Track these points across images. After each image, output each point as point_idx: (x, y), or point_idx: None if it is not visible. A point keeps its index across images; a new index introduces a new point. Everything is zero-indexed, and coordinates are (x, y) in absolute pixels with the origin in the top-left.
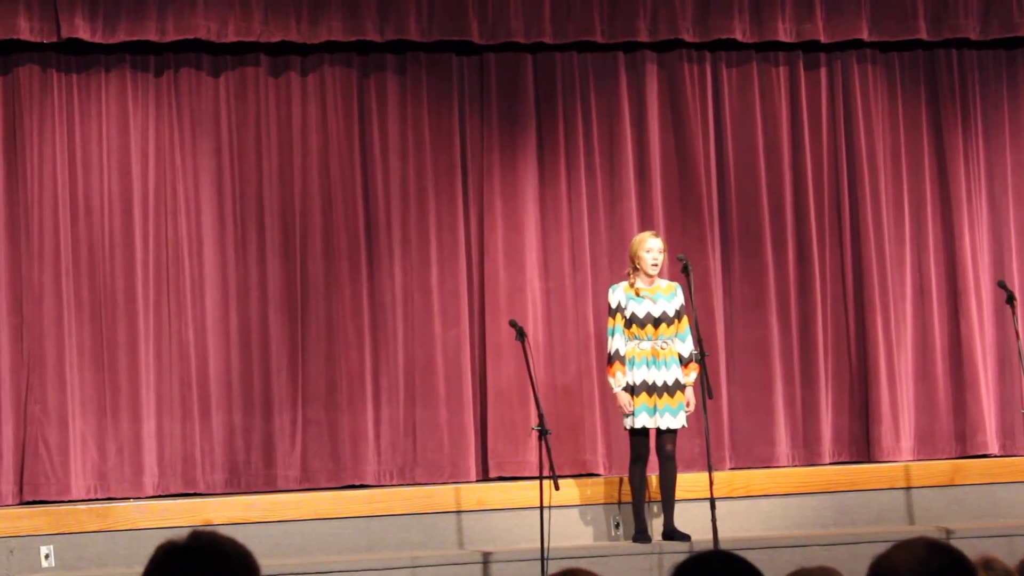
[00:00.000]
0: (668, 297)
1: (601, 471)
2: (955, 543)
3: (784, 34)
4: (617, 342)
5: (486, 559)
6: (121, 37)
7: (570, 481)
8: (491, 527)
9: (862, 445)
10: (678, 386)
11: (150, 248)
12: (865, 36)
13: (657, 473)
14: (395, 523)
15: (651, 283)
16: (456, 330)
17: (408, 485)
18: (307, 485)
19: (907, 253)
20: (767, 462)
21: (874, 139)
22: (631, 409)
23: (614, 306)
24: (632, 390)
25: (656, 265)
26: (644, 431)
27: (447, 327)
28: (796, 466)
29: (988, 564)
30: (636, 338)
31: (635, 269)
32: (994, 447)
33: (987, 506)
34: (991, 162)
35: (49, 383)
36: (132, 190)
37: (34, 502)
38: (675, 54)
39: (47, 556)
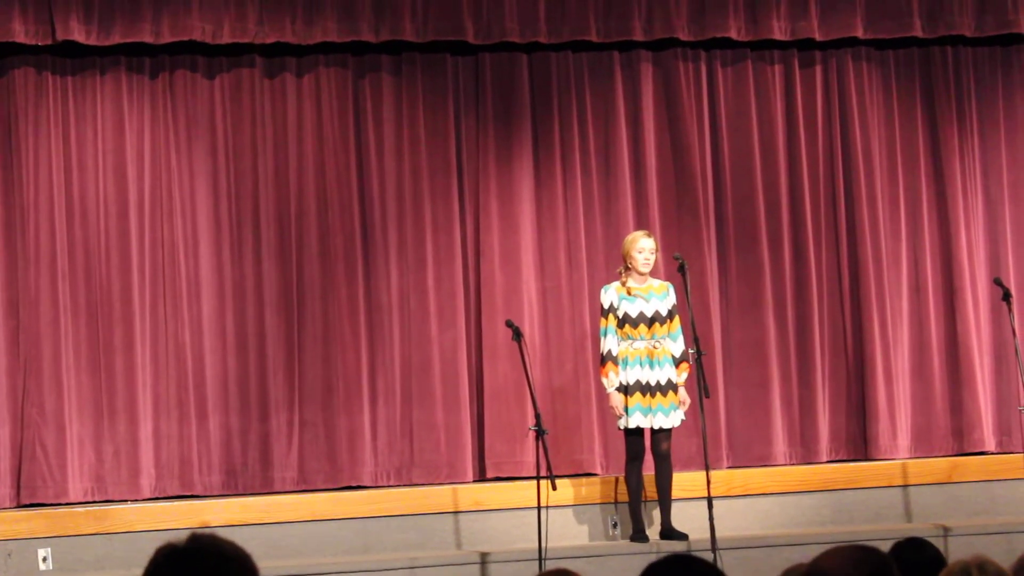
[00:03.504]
0: (661, 296)
1: (598, 471)
2: (953, 541)
3: (779, 32)
4: (610, 342)
5: (484, 560)
6: (116, 39)
7: (567, 481)
8: (488, 527)
9: (859, 443)
10: (671, 385)
11: (146, 250)
12: (860, 34)
13: (654, 472)
14: (392, 524)
15: (643, 282)
16: (452, 331)
17: (405, 486)
18: (304, 486)
19: (903, 251)
20: (764, 461)
21: (869, 137)
22: (621, 411)
23: (606, 306)
24: (626, 390)
25: (648, 264)
26: (639, 431)
27: (443, 328)
28: (793, 465)
29: (982, 566)
30: (629, 338)
31: (627, 269)
32: (991, 444)
33: (985, 503)
34: (986, 159)
35: (46, 386)
36: (128, 192)
37: (31, 505)
38: (670, 53)
39: (45, 559)
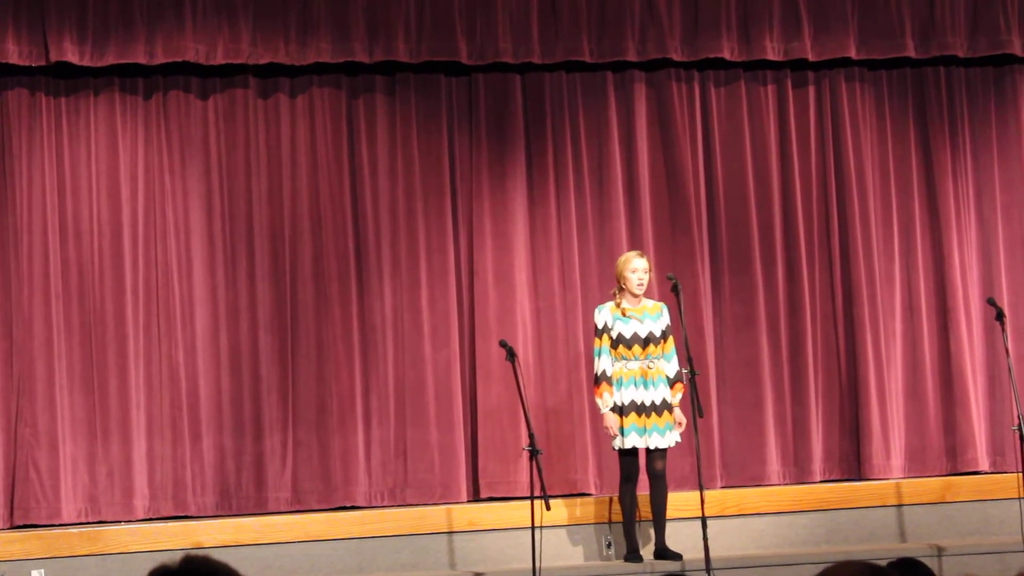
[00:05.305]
0: (655, 317)
1: (592, 490)
2: (947, 560)
3: (772, 52)
4: (604, 363)
5: None
6: (110, 60)
7: (561, 501)
8: (482, 548)
9: (853, 463)
10: (666, 405)
11: (140, 271)
12: (853, 54)
13: (648, 492)
14: (386, 544)
15: (637, 303)
16: (446, 351)
17: (399, 506)
18: (298, 507)
19: (896, 270)
20: (758, 480)
21: (862, 157)
22: (616, 432)
23: (600, 326)
24: (621, 410)
25: (642, 285)
26: (634, 451)
27: (437, 348)
28: (787, 484)
29: None
30: (623, 358)
31: (621, 289)
32: (984, 464)
33: (978, 523)
34: (979, 179)
35: (39, 407)
36: (121, 213)
37: (25, 526)
38: (663, 73)
39: None
